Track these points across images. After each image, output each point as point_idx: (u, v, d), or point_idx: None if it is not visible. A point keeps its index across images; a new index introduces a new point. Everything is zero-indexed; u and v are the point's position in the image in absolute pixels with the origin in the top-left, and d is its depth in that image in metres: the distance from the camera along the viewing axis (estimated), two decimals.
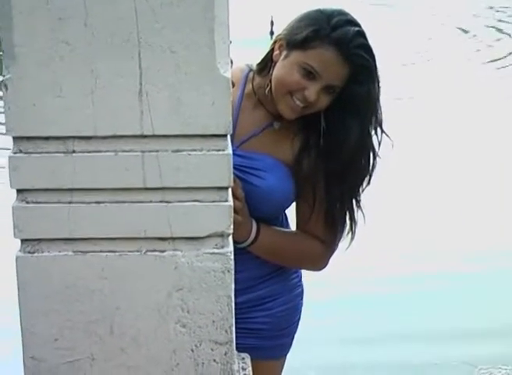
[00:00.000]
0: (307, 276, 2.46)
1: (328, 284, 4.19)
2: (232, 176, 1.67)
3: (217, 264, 1.69)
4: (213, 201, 1.67)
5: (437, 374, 4.04)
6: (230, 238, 1.72)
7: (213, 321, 1.72)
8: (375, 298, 4.79)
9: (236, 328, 1.78)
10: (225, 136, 1.65)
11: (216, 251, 1.69)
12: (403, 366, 4.11)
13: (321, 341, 4.20)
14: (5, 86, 1.60)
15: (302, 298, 2.42)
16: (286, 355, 2.43)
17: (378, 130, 2.19)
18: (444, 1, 18.92)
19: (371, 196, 2.29)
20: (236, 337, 1.79)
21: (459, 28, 15.89)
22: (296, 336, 2.45)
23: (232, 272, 1.71)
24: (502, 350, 4.24)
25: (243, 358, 2.04)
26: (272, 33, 12.19)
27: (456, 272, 5.10)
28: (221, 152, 1.65)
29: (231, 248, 1.71)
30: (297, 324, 2.42)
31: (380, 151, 2.22)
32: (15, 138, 1.63)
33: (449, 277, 5.03)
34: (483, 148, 7.73)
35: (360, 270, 4.95)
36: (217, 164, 1.65)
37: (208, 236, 1.68)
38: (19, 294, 1.70)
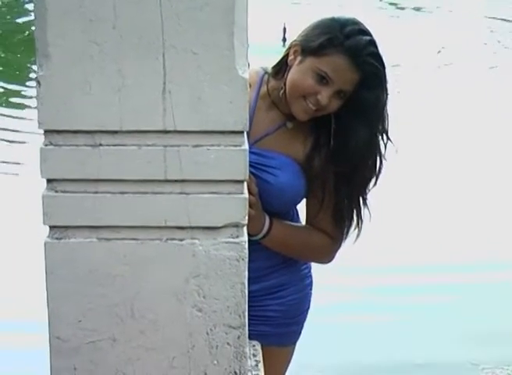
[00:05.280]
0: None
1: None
2: (247, 170, 1.78)
3: (232, 252, 1.80)
4: (229, 194, 1.77)
5: (442, 373, 4.13)
6: (245, 228, 1.82)
7: (227, 306, 1.82)
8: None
9: (248, 315, 1.87)
10: (242, 132, 1.75)
11: (231, 240, 1.79)
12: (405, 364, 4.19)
13: None
14: (38, 82, 1.71)
15: (311, 288, 2.51)
16: (295, 343, 2.52)
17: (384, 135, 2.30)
18: None
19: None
20: (249, 323, 1.89)
21: None
22: None
23: (247, 260, 1.81)
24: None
25: (254, 345, 2.15)
26: (284, 39, 12.19)
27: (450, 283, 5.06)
28: (238, 148, 1.75)
29: (245, 237, 1.81)
30: (307, 313, 2.51)
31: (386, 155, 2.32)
32: (46, 131, 1.74)
33: (446, 289, 5.00)
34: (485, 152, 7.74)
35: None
36: (234, 158, 1.75)
37: (224, 226, 1.78)
38: (46, 278, 1.80)
